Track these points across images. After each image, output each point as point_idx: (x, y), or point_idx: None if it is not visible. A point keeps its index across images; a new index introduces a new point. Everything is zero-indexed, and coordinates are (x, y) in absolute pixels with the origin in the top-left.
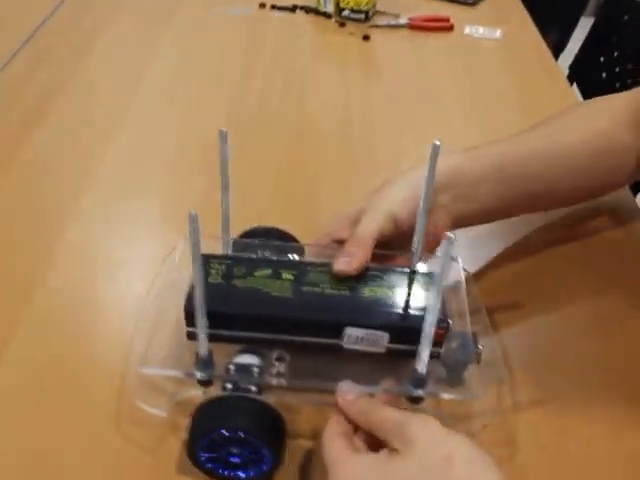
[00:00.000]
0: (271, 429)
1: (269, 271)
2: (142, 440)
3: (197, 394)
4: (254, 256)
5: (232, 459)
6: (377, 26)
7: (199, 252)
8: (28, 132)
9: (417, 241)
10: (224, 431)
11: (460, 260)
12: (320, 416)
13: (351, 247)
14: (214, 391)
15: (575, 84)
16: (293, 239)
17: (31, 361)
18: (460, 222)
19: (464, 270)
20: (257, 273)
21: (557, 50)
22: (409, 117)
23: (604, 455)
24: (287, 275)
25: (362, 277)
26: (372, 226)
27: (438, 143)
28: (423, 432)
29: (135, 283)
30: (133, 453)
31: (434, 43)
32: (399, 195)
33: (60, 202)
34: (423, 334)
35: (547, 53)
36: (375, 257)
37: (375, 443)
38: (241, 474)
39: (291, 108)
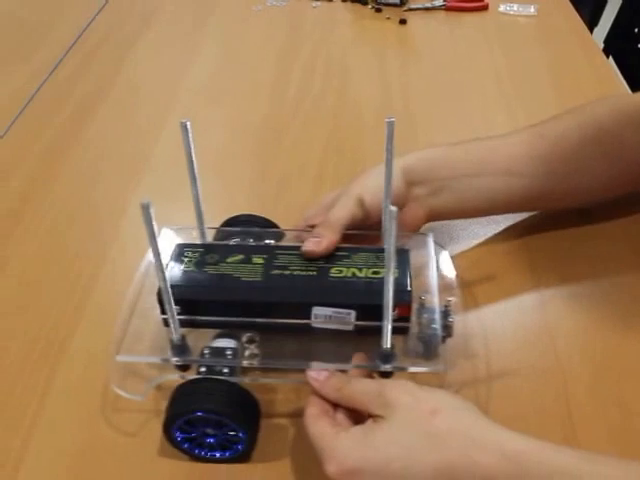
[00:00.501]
0: (244, 410)
1: (241, 257)
2: (125, 425)
3: (174, 378)
4: (232, 243)
5: (207, 440)
6: (413, 9)
7: (155, 240)
8: (76, 133)
9: (386, 220)
10: (199, 413)
11: (432, 236)
12: (295, 395)
13: (320, 229)
14: (190, 375)
15: (611, 57)
16: (274, 225)
17: (91, 352)
18: (435, 216)
19: (438, 245)
20: (229, 259)
21: (591, 24)
22: (448, 100)
23: (582, 428)
24: (257, 260)
25: (330, 258)
26: (343, 211)
27: (392, 119)
28: (402, 393)
29: None
30: (116, 438)
31: (470, 23)
32: (372, 183)
33: (113, 198)
34: (384, 309)
35: (582, 27)
36: (347, 239)
37: (357, 416)
38: (217, 454)
39: (332, 97)
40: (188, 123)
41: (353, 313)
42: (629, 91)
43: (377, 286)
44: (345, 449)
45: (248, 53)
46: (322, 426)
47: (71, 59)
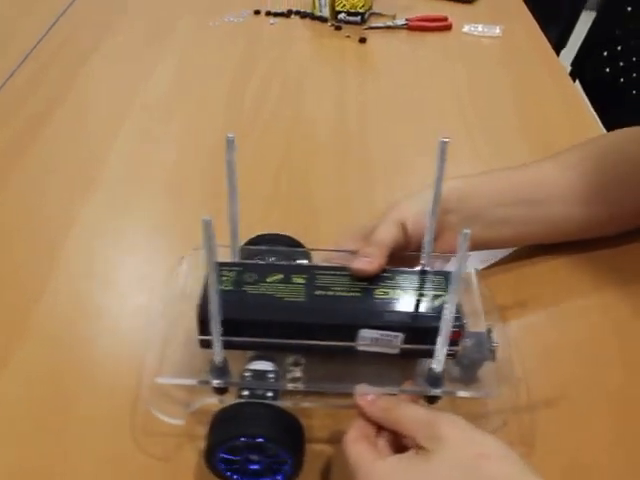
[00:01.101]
0: (290, 434)
1: (280, 276)
2: (157, 450)
3: (213, 402)
4: (269, 262)
5: (251, 467)
6: (374, 28)
7: (214, 258)
8: (26, 145)
9: (427, 242)
10: (243, 438)
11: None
12: (336, 420)
13: (370, 250)
14: (229, 399)
15: (578, 80)
16: (299, 245)
17: (39, 374)
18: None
19: (474, 269)
20: (268, 279)
21: (558, 46)
22: (407, 119)
23: (620, 458)
24: (298, 279)
25: (374, 279)
26: (388, 235)
27: (446, 140)
28: (453, 430)
29: (138, 294)
30: (149, 463)
31: (432, 43)
32: (414, 209)
33: (60, 213)
34: (440, 333)
35: (548, 49)
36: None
37: (398, 444)
38: None
39: (288, 113)
40: (232, 136)
41: (401, 336)
42: (594, 115)
43: (426, 308)
44: (382, 476)
45: (204, 69)
46: (361, 450)
47: (26, 69)
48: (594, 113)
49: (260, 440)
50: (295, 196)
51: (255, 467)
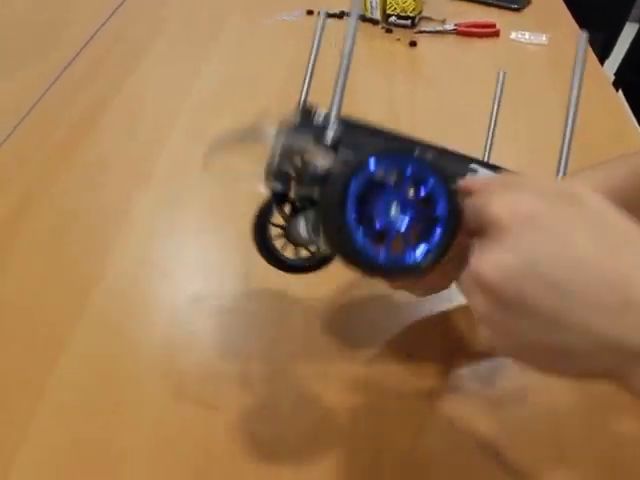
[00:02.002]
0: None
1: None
2: (204, 430)
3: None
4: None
5: (390, 222)
6: (424, 32)
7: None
8: (83, 136)
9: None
10: (407, 164)
11: None
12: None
13: None
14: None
15: (621, 90)
16: None
17: (96, 357)
18: None
19: None
20: None
21: (602, 57)
22: (455, 124)
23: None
24: None
25: None
26: None
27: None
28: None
29: (192, 282)
30: (196, 446)
31: (480, 48)
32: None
33: (116, 204)
34: None
35: (593, 58)
36: None
37: None
38: (409, 252)
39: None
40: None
41: None
42: (637, 125)
43: None
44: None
45: (256, 67)
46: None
47: (79, 63)
48: (636, 123)
49: (423, 169)
50: None
51: (395, 224)
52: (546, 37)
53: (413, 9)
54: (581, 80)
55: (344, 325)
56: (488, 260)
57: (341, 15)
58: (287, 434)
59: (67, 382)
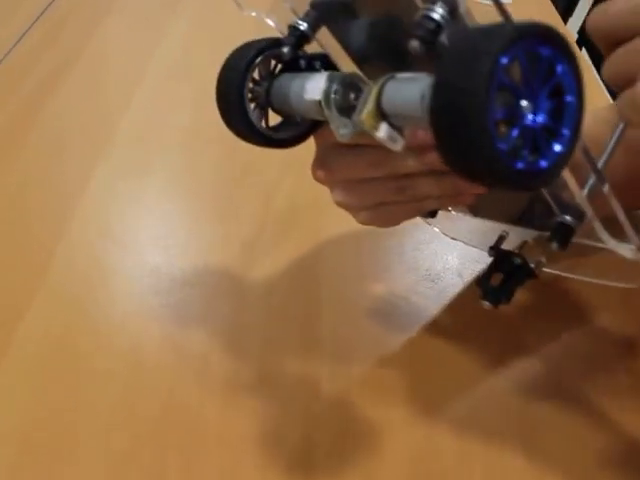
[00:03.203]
0: None
1: None
2: (175, 400)
3: None
4: None
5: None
6: None
7: None
8: (43, 102)
9: None
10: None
11: None
12: None
13: None
14: None
15: (584, 49)
16: None
17: (54, 330)
18: None
19: None
20: None
21: (565, 15)
22: None
23: None
24: None
25: None
26: None
27: None
28: None
29: (154, 254)
30: (160, 417)
31: None
32: None
33: (76, 171)
34: None
35: (557, 18)
36: None
37: None
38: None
39: None
40: None
41: None
42: (601, 83)
43: None
44: None
45: (221, 30)
46: None
47: (38, 29)
48: (600, 81)
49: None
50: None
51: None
52: None
53: None
54: None
55: (307, 294)
56: None
57: None
58: (252, 412)
59: (21, 359)
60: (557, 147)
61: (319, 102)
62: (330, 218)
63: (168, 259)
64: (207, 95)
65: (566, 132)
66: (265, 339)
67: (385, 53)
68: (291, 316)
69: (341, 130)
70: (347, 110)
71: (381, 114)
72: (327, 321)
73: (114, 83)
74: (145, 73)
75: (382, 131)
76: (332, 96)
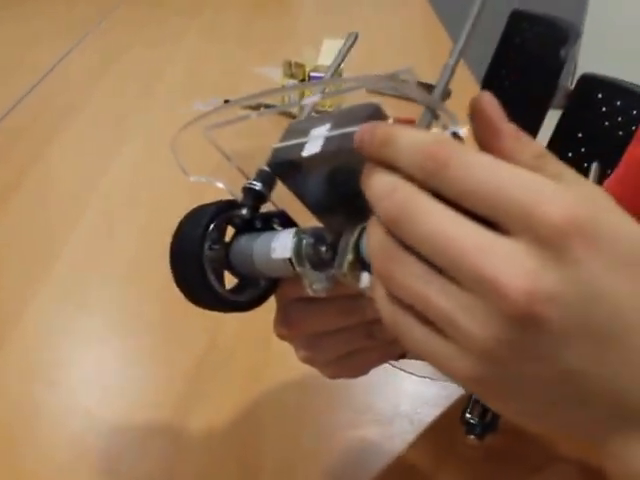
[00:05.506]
0: None
1: None
2: None
3: None
4: None
5: None
6: None
7: None
8: None
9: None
10: None
11: None
12: None
13: None
14: None
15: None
16: None
17: None
18: None
19: None
20: None
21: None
22: None
23: None
24: None
25: None
26: None
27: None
28: None
29: (85, 398)
30: None
31: None
32: None
33: (12, 299)
34: None
35: None
36: None
37: None
38: None
39: None
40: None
41: None
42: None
43: None
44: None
45: (170, 155)
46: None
47: None
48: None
49: None
50: None
51: None
52: (467, 130)
53: (330, 105)
54: None
55: (247, 439)
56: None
57: (257, 107)
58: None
59: None
60: None
61: (289, 260)
62: (274, 356)
63: (104, 399)
64: (152, 220)
65: None
66: None
67: (343, 204)
68: (230, 459)
69: (315, 285)
70: (319, 265)
71: (361, 264)
72: (268, 465)
73: (59, 208)
74: (89, 200)
75: (364, 281)
76: (304, 252)
